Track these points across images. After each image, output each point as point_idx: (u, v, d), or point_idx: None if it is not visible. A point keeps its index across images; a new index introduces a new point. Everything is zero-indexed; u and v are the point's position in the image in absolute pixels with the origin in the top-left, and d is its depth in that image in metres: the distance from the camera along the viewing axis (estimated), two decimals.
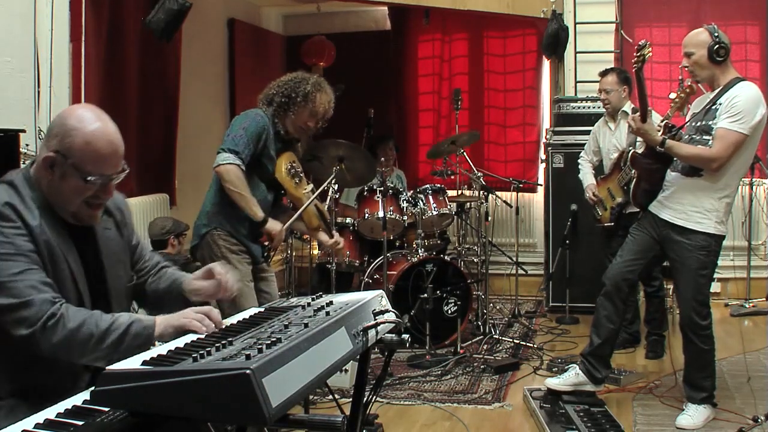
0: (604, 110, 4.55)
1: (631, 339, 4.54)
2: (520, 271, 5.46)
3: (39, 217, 1.77)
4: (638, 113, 3.33)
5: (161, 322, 1.76)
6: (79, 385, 1.83)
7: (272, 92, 3.30)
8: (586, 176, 4.60)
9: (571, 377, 3.53)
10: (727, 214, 3.27)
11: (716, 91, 3.24)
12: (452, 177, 5.21)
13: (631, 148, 3.69)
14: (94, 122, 1.79)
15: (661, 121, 3.43)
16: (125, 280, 2.04)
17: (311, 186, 3.47)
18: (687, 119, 3.45)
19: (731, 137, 3.12)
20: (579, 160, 4.72)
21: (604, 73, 4.49)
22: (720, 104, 3.17)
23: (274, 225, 3.22)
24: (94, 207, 1.86)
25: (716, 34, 3.18)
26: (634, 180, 3.60)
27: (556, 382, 3.54)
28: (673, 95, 3.49)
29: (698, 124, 3.26)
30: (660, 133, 3.36)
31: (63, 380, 1.81)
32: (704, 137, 3.21)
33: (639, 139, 3.50)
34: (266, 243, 3.32)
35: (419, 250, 4.67)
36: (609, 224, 4.33)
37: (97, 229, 1.94)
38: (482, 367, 4.17)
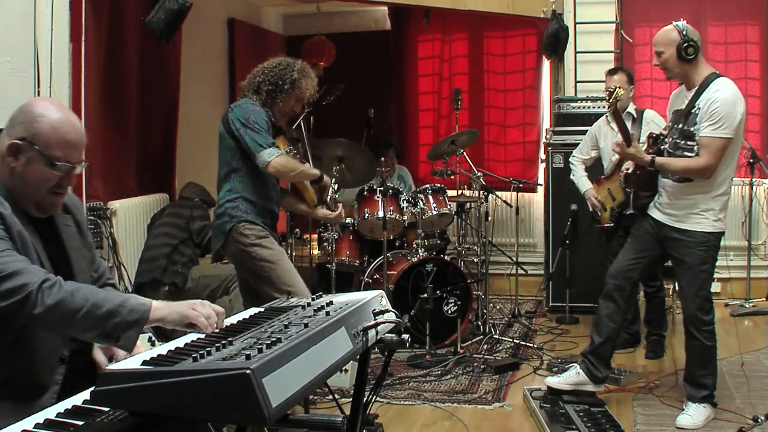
0: (607, 110, 4.52)
1: (631, 339, 4.53)
2: (520, 271, 5.46)
3: (9, 207, 1.79)
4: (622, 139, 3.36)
5: (166, 306, 1.74)
6: (55, 379, 1.82)
7: (258, 80, 3.30)
8: (582, 180, 4.51)
9: (572, 376, 3.53)
10: (723, 210, 3.29)
11: (693, 91, 3.24)
12: (452, 177, 5.20)
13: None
14: (59, 111, 1.85)
15: None
16: (89, 276, 2.04)
17: (307, 165, 3.51)
18: (668, 118, 3.47)
19: (716, 144, 3.13)
20: (571, 160, 4.62)
21: (612, 72, 4.46)
22: (699, 108, 3.18)
23: (327, 179, 3.41)
24: (58, 195, 1.88)
25: (685, 32, 3.18)
26: (632, 194, 3.61)
27: (557, 381, 3.54)
28: None
29: (681, 126, 3.28)
30: (646, 146, 3.42)
31: (38, 372, 1.80)
32: (689, 143, 3.23)
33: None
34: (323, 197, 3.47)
35: (419, 250, 4.67)
36: (608, 225, 4.31)
37: (58, 223, 1.95)
38: (482, 367, 4.17)
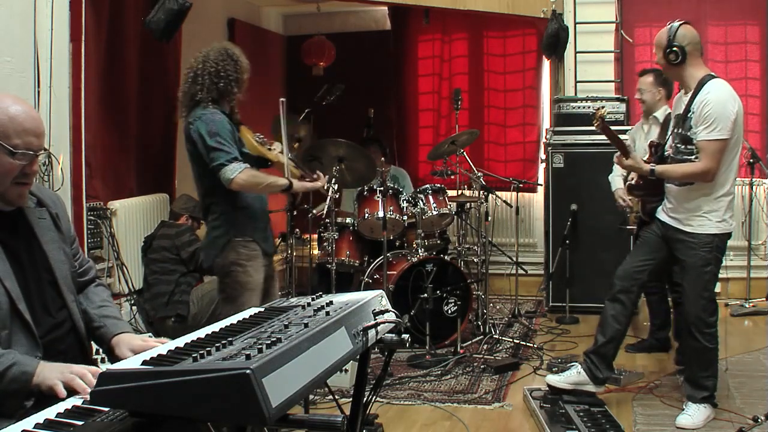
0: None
1: (659, 345, 4.37)
2: (520, 271, 5.46)
3: None
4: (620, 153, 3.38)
5: (40, 372, 1.71)
6: (25, 408, 1.77)
7: (210, 81, 3.18)
8: (614, 179, 4.47)
9: (573, 376, 3.52)
10: (728, 211, 3.29)
11: (689, 94, 3.24)
12: (452, 177, 5.20)
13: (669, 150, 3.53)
14: (15, 103, 1.85)
15: None
16: (69, 267, 2.02)
17: (278, 145, 3.45)
18: (671, 123, 3.46)
19: (714, 147, 3.14)
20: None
21: (642, 73, 4.40)
22: (693, 112, 3.18)
23: (299, 184, 3.33)
24: (23, 185, 1.88)
25: (671, 36, 3.18)
26: (640, 203, 3.60)
27: (557, 379, 3.54)
28: None
29: (679, 131, 3.28)
30: (648, 155, 3.43)
31: (7, 402, 1.75)
32: (688, 147, 3.24)
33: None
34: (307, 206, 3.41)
35: (419, 250, 4.67)
36: (632, 228, 4.21)
37: (29, 218, 1.94)
38: (482, 367, 4.16)
